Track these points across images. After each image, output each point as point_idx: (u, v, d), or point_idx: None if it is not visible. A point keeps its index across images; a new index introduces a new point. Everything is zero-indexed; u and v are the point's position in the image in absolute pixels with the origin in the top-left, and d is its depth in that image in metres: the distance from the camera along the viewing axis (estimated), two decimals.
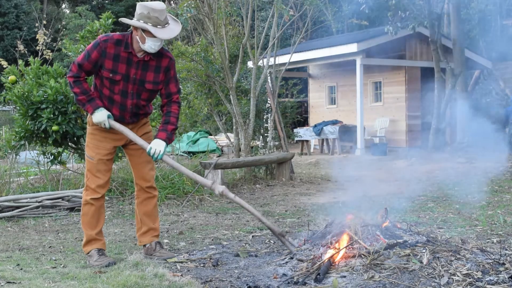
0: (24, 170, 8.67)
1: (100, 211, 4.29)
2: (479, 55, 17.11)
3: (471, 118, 12.18)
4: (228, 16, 10.41)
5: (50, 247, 4.90)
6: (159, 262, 4.13)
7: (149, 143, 4.21)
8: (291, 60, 11.60)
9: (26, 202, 6.35)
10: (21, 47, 14.42)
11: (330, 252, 3.87)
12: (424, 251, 3.78)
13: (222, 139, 15.48)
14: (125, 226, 5.83)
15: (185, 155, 12.67)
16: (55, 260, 4.36)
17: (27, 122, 6.86)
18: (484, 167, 9.84)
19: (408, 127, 15.89)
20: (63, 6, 37.30)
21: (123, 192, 7.32)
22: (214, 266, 4.08)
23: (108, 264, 4.08)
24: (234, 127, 10.41)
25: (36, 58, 7.43)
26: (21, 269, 4.02)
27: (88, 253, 4.25)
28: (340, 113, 17.17)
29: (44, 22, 17.11)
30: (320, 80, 18.05)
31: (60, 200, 6.56)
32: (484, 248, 4.03)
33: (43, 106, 6.69)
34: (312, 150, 16.18)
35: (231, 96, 9.68)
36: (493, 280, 3.45)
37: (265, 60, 10.34)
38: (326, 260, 3.73)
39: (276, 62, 10.93)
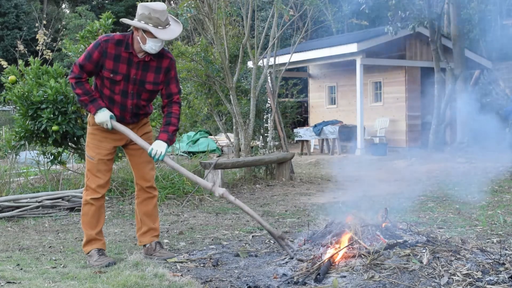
0: (24, 170, 8.67)
1: (100, 211, 4.29)
2: (479, 55, 17.09)
3: (471, 118, 12.19)
4: (228, 16, 10.41)
5: (50, 247, 4.90)
6: (159, 262, 4.12)
7: (150, 143, 4.22)
8: (291, 60, 11.59)
9: (26, 202, 6.35)
10: (21, 47, 14.42)
11: (330, 252, 3.88)
12: (424, 251, 3.79)
13: (222, 139, 15.48)
14: (125, 226, 5.83)
15: (185, 155, 12.66)
16: (55, 260, 4.36)
17: (27, 122, 6.86)
18: (484, 167, 9.85)
19: (408, 127, 15.87)
20: (63, 6, 37.30)
21: (123, 192, 7.33)
22: (214, 266, 4.08)
23: (108, 264, 4.08)
24: (234, 127, 10.41)
25: (36, 58, 7.43)
26: (21, 269, 4.02)
27: (88, 253, 4.25)
28: (340, 113, 17.16)
29: (44, 22, 17.11)
30: (320, 80, 18.04)
31: (60, 200, 6.56)
32: (484, 248, 4.03)
33: (43, 106, 6.69)
34: (312, 150, 16.18)
35: (231, 96, 9.68)
36: (493, 280, 3.45)
37: (265, 60, 10.33)
38: (326, 260, 3.73)
39: (276, 62, 10.92)
